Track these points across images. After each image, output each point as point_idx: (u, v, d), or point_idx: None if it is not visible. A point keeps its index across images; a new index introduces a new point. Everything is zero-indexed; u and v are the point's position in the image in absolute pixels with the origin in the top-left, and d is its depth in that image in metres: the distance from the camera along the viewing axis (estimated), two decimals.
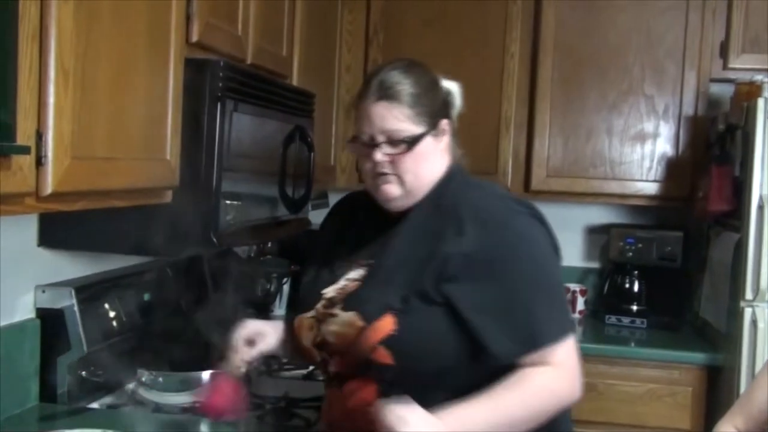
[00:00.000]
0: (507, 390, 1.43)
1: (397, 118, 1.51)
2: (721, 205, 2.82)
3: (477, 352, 1.45)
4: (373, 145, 1.53)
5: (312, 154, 2.32)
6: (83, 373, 1.89)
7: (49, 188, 1.32)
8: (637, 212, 3.44)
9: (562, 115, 3.20)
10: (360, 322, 1.48)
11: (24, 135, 1.24)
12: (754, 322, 2.61)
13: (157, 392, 1.94)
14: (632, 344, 3.05)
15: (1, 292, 1.78)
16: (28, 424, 1.75)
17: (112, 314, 2.04)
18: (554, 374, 1.45)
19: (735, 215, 2.77)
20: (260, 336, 1.64)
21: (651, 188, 3.18)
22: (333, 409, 1.58)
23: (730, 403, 1.67)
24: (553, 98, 3.19)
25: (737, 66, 3.06)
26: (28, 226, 1.88)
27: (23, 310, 1.87)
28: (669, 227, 3.32)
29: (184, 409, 1.94)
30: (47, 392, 1.89)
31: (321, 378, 1.72)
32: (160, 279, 2.32)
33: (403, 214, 1.57)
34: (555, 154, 3.22)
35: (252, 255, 2.99)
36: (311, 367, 2.39)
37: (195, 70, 1.78)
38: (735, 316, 2.70)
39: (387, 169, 1.53)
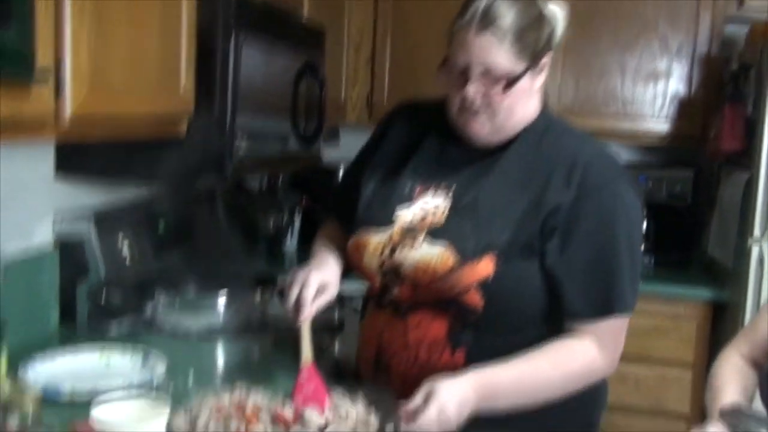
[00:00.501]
0: (544, 355, 1.42)
1: (498, 53, 1.39)
2: (734, 144, 2.83)
3: (554, 307, 1.45)
4: (467, 76, 1.42)
5: (323, 89, 2.35)
6: (102, 298, 1.95)
7: (67, 116, 1.37)
8: (649, 151, 3.45)
9: (575, 55, 3.18)
10: (453, 259, 1.42)
11: (43, 65, 1.27)
12: (760, 260, 2.65)
13: (175, 316, 2.00)
14: None
15: (21, 220, 1.83)
16: (50, 347, 1.81)
17: (128, 242, 2.10)
18: (597, 350, 1.43)
19: (746, 154, 2.78)
20: (324, 288, 1.52)
21: (663, 127, 3.19)
22: (386, 336, 1.52)
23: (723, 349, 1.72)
24: (565, 37, 3.17)
25: (753, 5, 3.03)
26: (45, 157, 1.92)
27: (42, 237, 1.93)
28: (680, 166, 3.33)
29: (200, 332, 2.00)
30: (67, 318, 1.96)
31: (367, 302, 1.64)
32: (173, 210, 2.37)
33: (493, 149, 1.50)
34: (566, 93, 3.21)
35: (263, 189, 3.04)
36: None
37: (208, 2, 1.80)
38: (742, 253, 2.73)
39: (478, 106, 1.44)
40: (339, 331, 2.12)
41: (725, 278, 2.95)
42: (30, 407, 1.27)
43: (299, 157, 2.38)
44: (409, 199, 1.52)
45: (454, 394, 1.31)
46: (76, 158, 1.92)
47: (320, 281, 1.51)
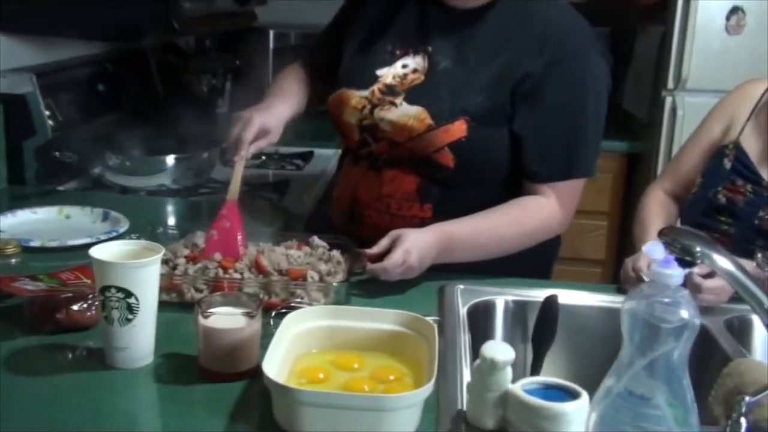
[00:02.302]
0: (502, 213, 1.49)
1: None
2: None
3: (518, 169, 1.51)
4: None
5: None
6: (51, 155, 1.95)
7: None
8: None
9: None
10: (429, 120, 1.49)
11: None
12: (673, 110, 2.81)
13: (124, 176, 2.03)
14: None
15: None
16: (1, 202, 1.83)
17: (71, 101, 2.08)
18: (553, 209, 1.51)
19: (662, 8, 2.89)
20: (265, 133, 1.56)
21: None
22: (361, 189, 1.59)
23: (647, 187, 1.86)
24: None
25: None
26: None
27: None
28: (596, 24, 3.42)
29: (149, 192, 2.04)
30: (16, 175, 1.96)
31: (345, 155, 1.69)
32: (109, 70, 2.34)
33: (473, 12, 1.53)
34: None
35: (193, 50, 3.01)
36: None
37: None
38: (656, 105, 2.90)
39: None
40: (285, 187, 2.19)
41: (639, 131, 3.12)
42: (13, 253, 1.31)
43: (235, 14, 2.36)
44: (389, 60, 1.57)
45: (419, 242, 1.40)
46: (17, 12, 1.86)
47: (261, 124, 1.55)
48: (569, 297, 1.44)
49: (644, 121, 3.06)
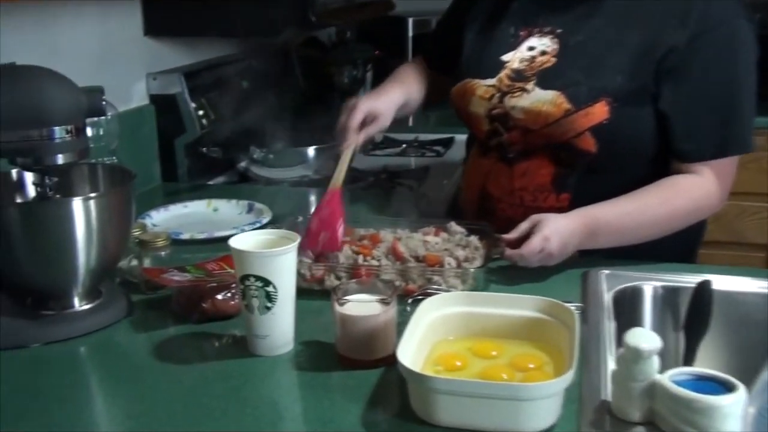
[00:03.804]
0: (651, 193, 1.40)
1: None
2: None
3: (667, 149, 1.42)
4: None
5: None
6: (200, 152, 2.03)
7: None
8: None
9: None
10: (567, 105, 1.41)
11: None
12: None
13: (268, 168, 2.08)
14: None
15: (116, 80, 1.89)
16: (156, 198, 1.92)
17: (217, 98, 2.16)
18: (707, 189, 1.41)
19: None
20: (375, 117, 1.54)
21: None
22: (491, 182, 1.53)
23: None
24: None
25: None
26: (134, 15, 1.97)
27: (138, 96, 2.00)
28: None
29: (292, 183, 2.09)
30: (169, 173, 2.06)
31: (476, 147, 1.60)
32: (254, 67, 2.41)
33: None
34: None
35: (334, 43, 3.05)
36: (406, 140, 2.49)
37: None
38: None
39: None
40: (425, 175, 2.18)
41: None
42: (163, 245, 1.37)
43: (371, 3, 2.37)
44: (513, 44, 1.51)
45: (560, 228, 1.32)
46: (163, 16, 1.95)
47: (369, 109, 1.52)
48: (727, 283, 1.35)
49: None
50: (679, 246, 1.50)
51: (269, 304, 1.10)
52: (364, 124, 1.53)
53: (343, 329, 1.10)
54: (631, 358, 0.93)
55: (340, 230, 1.40)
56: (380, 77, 3.06)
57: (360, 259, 1.36)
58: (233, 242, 1.12)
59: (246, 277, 1.10)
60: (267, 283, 1.09)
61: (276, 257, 1.09)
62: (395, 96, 1.61)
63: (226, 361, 1.14)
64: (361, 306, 1.10)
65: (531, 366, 1.05)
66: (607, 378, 1.03)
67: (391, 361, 1.08)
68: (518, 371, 1.04)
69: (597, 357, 1.11)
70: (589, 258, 1.42)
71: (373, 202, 1.81)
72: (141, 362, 1.15)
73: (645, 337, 0.93)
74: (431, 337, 1.10)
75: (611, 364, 1.08)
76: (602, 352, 1.12)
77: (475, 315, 1.13)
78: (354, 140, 1.51)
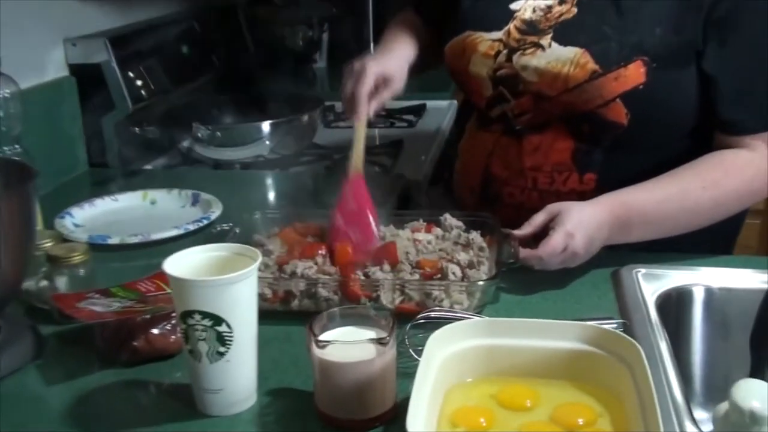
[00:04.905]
0: (693, 173, 1.15)
1: None
2: None
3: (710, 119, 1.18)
4: None
5: None
6: (133, 131, 1.72)
7: None
8: None
9: None
10: (593, 65, 1.15)
11: None
12: None
13: (215, 148, 1.77)
14: None
15: (23, 48, 1.56)
16: (81, 189, 1.61)
17: (153, 67, 1.84)
18: (761, 165, 1.15)
19: None
20: (387, 81, 1.27)
21: None
22: (494, 162, 1.28)
23: None
24: None
25: None
26: None
27: (55, 66, 1.67)
28: None
29: (244, 165, 1.79)
30: (96, 157, 1.74)
31: (470, 117, 1.36)
32: (195, 29, 2.10)
33: None
34: None
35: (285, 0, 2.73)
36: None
37: None
38: None
39: None
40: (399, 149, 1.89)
41: None
42: (81, 261, 1.06)
43: None
44: None
45: (585, 221, 1.07)
46: None
47: (380, 73, 1.26)
48: None
49: None
50: (716, 235, 1.23)
51: (222, 349, 0.81)
52: (374, 90, 1.26)
53: (324, 379, 0.81)
54: (741, 422, 0.66)
55: (374, 223, 1.16)
56: (337, 39, 2.83)
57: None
58: (169, 267, 0.82)
59: (189, 313, 0.80)
60: (218, 321, 0.80)
61: (230, 286, 0.79)
62: (406, 53, 1.36)
63: (168, 424, 0.85)
64: (349, 349, 0.81)
65: (580, 422, 0.78)
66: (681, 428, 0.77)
67: (392, 416, 0.81)
68: (565, 429, 0.77)
69: (664, 402, 0.84)
70: (611, 251, 1.15)
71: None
72: (53, 425, 0.86)
73: (757, 392, 0.66)
74: (443, 381, 0.82)
75: (682, 406, 0.81)
76: (666, 389, 0.86)
77: (498, 348, 0.85)
78: (366, 110, 1.23)
